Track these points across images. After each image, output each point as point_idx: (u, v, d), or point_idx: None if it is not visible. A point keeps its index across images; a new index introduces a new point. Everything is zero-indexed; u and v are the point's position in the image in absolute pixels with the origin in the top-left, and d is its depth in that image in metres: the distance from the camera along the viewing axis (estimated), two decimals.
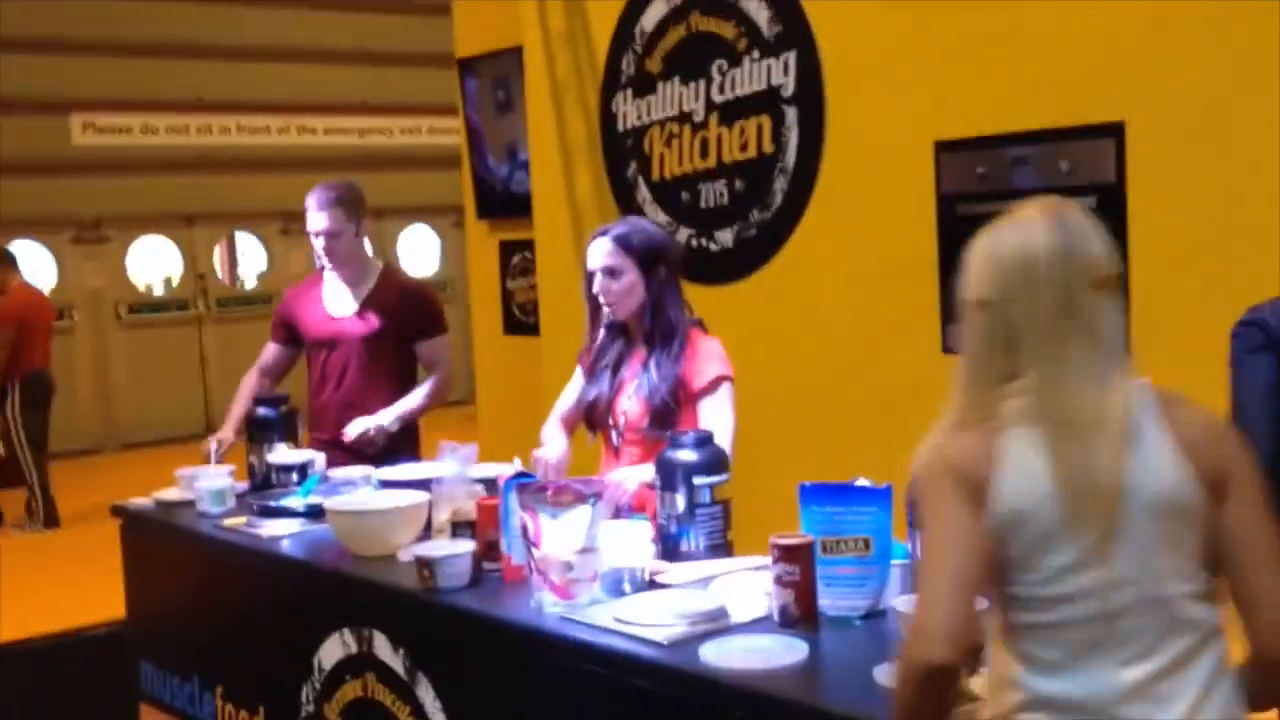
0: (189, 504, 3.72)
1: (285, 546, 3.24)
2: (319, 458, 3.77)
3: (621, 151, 5.38)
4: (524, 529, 2.57)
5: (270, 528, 3.37)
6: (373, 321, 4.19)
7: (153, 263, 12.87)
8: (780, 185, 4.72)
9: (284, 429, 3.92)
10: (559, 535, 2.53)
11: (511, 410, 6.99)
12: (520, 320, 7.14)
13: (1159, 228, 3.73)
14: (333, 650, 2.98)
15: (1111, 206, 3.82)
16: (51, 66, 11.73)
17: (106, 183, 12.20)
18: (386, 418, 4.05)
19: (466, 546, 2.76)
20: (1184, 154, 3.68)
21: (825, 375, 4.63)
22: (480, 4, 7.05)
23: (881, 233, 4.43)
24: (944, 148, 4.22)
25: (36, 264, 11.54)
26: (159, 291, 12.95)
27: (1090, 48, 3.84)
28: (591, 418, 3.34)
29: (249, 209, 12.91)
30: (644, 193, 5.30)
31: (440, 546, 2.77)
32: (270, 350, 4.38)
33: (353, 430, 3.98)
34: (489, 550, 2.79)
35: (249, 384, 4.31)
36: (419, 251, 14.49)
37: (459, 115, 7.36)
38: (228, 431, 4.16)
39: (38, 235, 11.86)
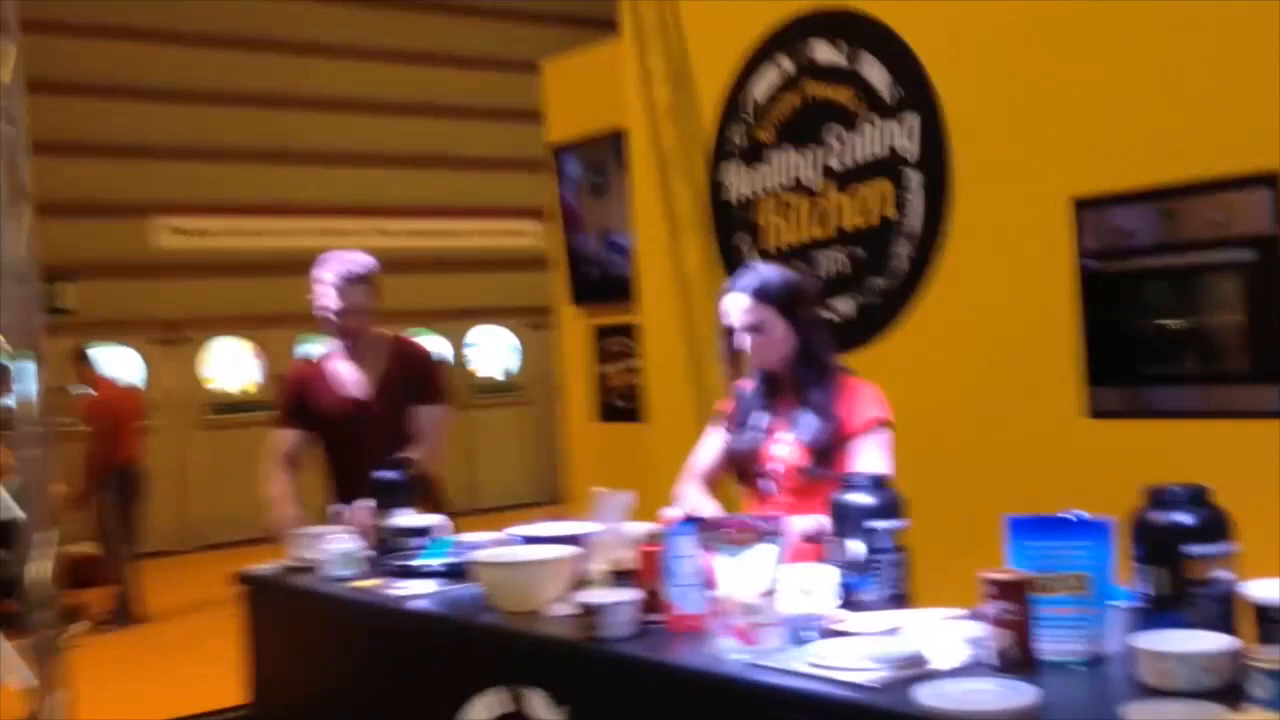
0: (309, 570, 3.58)
1: (426, 605, 3.08)
2: (444, 521, 3.64)
3: (731, 223, 5.30)
4: (706, 573, 2.41)
5: (407, 588, 3.22)
6: (393, 396, 4.15)
7: (233, 363, 12.92)
8: (905, 250, 4.60)
9: (410, 493, 3.80)
10: (739, 576, 2.36)
11: None
12: (616, 406, 7.04)
13: None
14: (477, 712, 2.81)
15: (1270, 259, 3.67)
16: (132, 169, 11.93)
17: (188, 285, 12.31)
18: None
19: (629, 594, 2.60)
20: None
21: (955, 443, 4.45)
22: (575, 90, 7.07)
23: (1014, 294, 4.29)
24: (1082, 205, 4.09)
25: (122, 365, 11.60)
26: (238, 390, 12.99)
27: (1236, 93, 3.72)
28: (741, 467, 3.20)
29: None
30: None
31: (603, 594, 2.61)
32: (288, 436, 4.25)
33: None
34: (651, 601, 2.63)
35: (281, 478, 4.19)
36: (493, 350, 14.51)
37: (541, 215, 7.36)
38: (287, 513, 4.07)
39: (119, 338, 11.95)
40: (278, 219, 12.90)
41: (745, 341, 3.12)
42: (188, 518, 12.12)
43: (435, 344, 13.80)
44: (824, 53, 4.85)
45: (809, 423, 3.06)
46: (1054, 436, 4.16)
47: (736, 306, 3.13)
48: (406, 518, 3.70)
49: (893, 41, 4.58)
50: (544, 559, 2.90)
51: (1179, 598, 2.12)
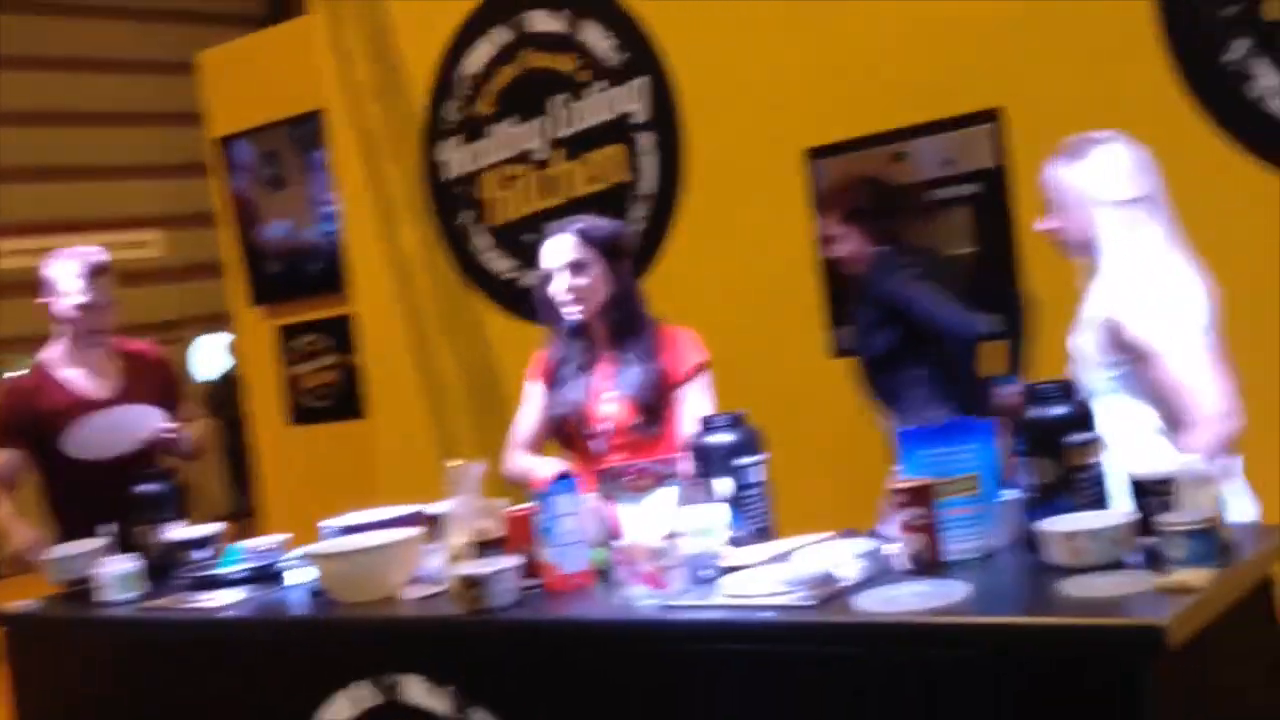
0: (77, 596, 3.26)
1: (251, 612, 2.87)
2: (222, 529, 3.41)
3: (451, 202, 5.20)
4: (606, 520, 2.37)
5: (214, 599, 2.98)
6: (136, 399, 3.89)
7: None
8: (641, 212, 4.66)
9: (176, 505, 3.53)
10: (642, 522, 2.34)
11: (311, 504, 6.58)
12: (313, 408, 6.75)
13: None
14: (340, 711, 2.64)
15: (995, 190, 3.96)
16: None
17: None
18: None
19: (513, 560, 2.51)
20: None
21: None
22: (240, 80, 6.71)
23: (755, 247, 4.42)
24: (816, 153, 4.28)
25: None
26: None
27: (955, 36, 3.97)
28: (564, 431, 3.15)
29: None
30: (481, 240, 5.13)
31: (483, 564, 2.51)
32: (4, 456, 3.86)
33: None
34: (527, 566, 2.55)
35: (4, 500, 3.83)
36: None
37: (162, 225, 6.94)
38: (27, 534, 3.75)
39: None
40: None
41: (563, 282, 3.06)
42: None
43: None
44: (542, 22, 4.84)
45: (632, 377, 3.05)
46: (803, 377, 4.32)
47: (560, 247, 3.08)
48: (183, 529, 3.44)
49: (614, 6, 4.62)
50: (393, 543, 2.76)
51: (1065, 484, 2.26)
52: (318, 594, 2.84)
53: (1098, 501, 2.26)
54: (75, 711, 3.25)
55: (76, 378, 3.88)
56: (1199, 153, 3.58)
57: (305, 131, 6.29)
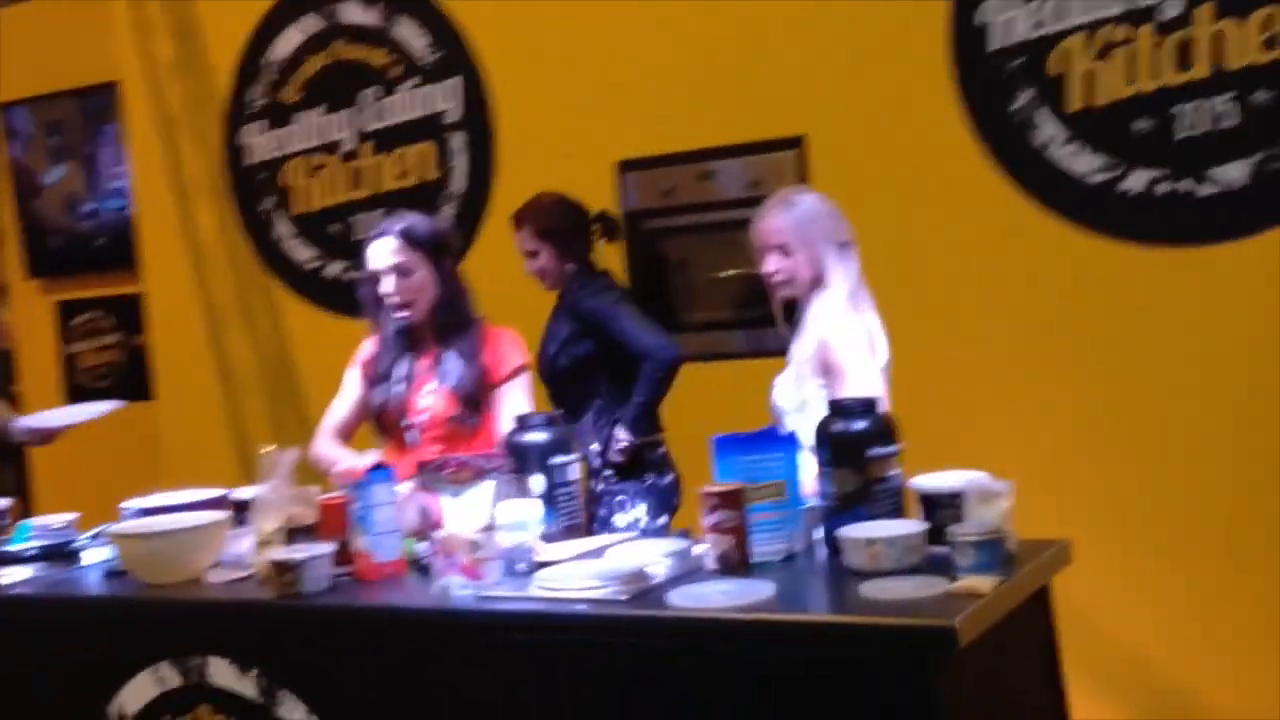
0: None
1: (40, 588, 2.79)
2: (7, 503, 3.31)
3: (252, 186, 5.11)
4: (424, 512, 2.41)
5: (3, 576, 2.89)
6: None
7: None
8: (449, 211, 4.68)
9: None
10: (461, 514, 2.39)
11: (86, 486, 6.35)
12: (89, 387, 6.51)
13: None
14: (142, 692, 2.60)
15: None
16: None
17: None
18: None
19: (327, 547, 2.53)
20: (860, 163, 4.07)
21: None
22: (28, 44, 6.43)
23: None
24: (627, 166, 4.39)
25: None
26: None
27: (767, 65, 4.15)
28: (383, 420, 3.17)
29: None
30: (283, 227, 5.07)
31: (295, 550, 2.52)
32: None
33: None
34: (338, 553, 2.57)
35: None
36: None
37: None
38: None
39: None
40: None
41: (390, 285, 3.09)
42: None
43: None
44: (355, 14, 4.82)
45: (454, 370, 3.10)
46: None
47: (383, 249, 3.10)
48: None
49: (429, 4, 4.64)
50: (200, 525, 2.74)
51: (863, 494, 2.42)
52: (116, 574, 2.79)
53: (894, 511, 2.42)
54: None
55: None
56: (985, 194, 3.84)
57: (97, 103, 6.07)
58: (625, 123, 4.37)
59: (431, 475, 2.41)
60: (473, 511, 2.40)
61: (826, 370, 2.87)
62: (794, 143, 4.13)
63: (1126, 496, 3.66)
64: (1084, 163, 3.69)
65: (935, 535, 2.30)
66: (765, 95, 4.16)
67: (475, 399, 3.09)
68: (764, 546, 2.41)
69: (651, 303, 4.38)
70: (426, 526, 2.42)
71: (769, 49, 4.13)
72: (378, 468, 2.61)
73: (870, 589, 2.14)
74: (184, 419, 5.39)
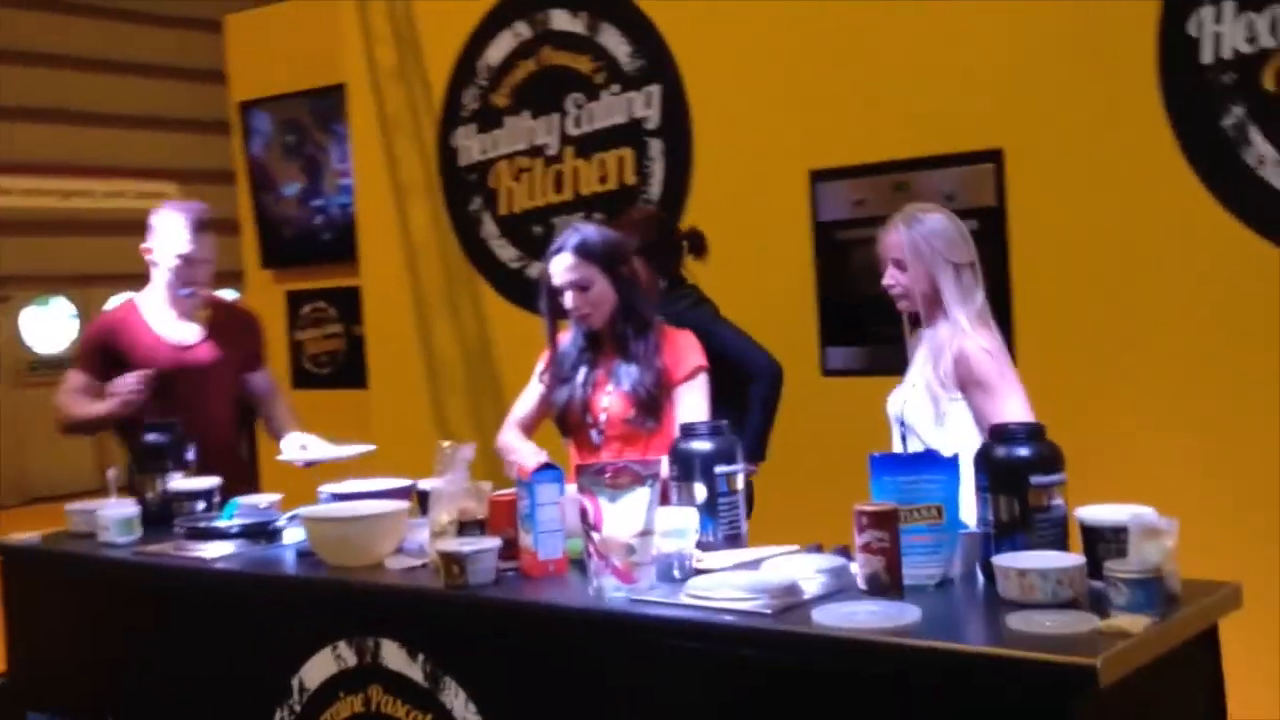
0: (84, 538, 3.38)
1: (238, 564, 2.99)
2: (218, 483, 3.54)
3: (463, 187, 5.31)
4: (583, 514, 2.49)
5: (207, 550, 3.10)
6: (220, 349, 4.02)
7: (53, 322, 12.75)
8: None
9: (177, 455, 3.64)
10: (619, 518, 2.46)
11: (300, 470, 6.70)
12: (313, 373, 6.88)
13: (1038, 246, 4.01)
14: (321, 668, 2.76)
15: (993, 228, 4.07)
16: None
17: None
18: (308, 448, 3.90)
19: (493, 541, 2.64)
20: (1060, 178, 3.98)
21: None
22: (266, 46, 6.84)
23: (754, 261, 4.54)
24: (819, 176, 4.39)
25: None
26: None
27: (963, 77, 4.10)
28: (566, 419, 3.28)
29: None
30: (490, 227, 5.25)
31: (464, 543, 2.63)
32: (81, 381, 3.96)
33: (292, 453, 3.84)
34: (504, 548, 2.68)
35: (82, 404, 3.92)
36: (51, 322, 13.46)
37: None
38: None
39: None
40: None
41: (570, 300, 3.20)
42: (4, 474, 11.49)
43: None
44: (563, 21, 4.95)
45: (629, 373, 3.18)
46: (795, 395, 4.41)
47: (561, 265, 3.20)
48: (179, 481, 3.55)
49: (633, 12, 4.74)
50: (380, 513, 2.88)
51: (1022, 523, 2.38)
52: (305, 554, 2.96)
53: (1056, 542, 2.38)
54: (64, 646, 3.38)
55: (162, 321, 3.99)
56: (1190, 210, 3.70)
57: (327, 104, 6.41)
58: (819, 132, 4.39)
59: (591, 478, 2.48)
60: (629, 516, 2.46)
61: (966, 384, 2.90)
62: (992, 156, 4.06)
63: None
64: None
65: (1097, 569, 2.25)
66: (962, 106, 4.11)
67: (652, 401, 3.16)
68: (917, 569, 2.40)
69: (839, 314, 4.39)
70: (584, 527, 2.49)
71: (967, 59, 4.08)
72: (546, 467, 2.71)
73: (1018, 620, 2.11)
74: (393, 407, 5.64)
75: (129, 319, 4.02)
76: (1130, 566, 2.15)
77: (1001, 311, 4.01)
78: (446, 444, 2.86)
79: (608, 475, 2.49)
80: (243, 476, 4.00)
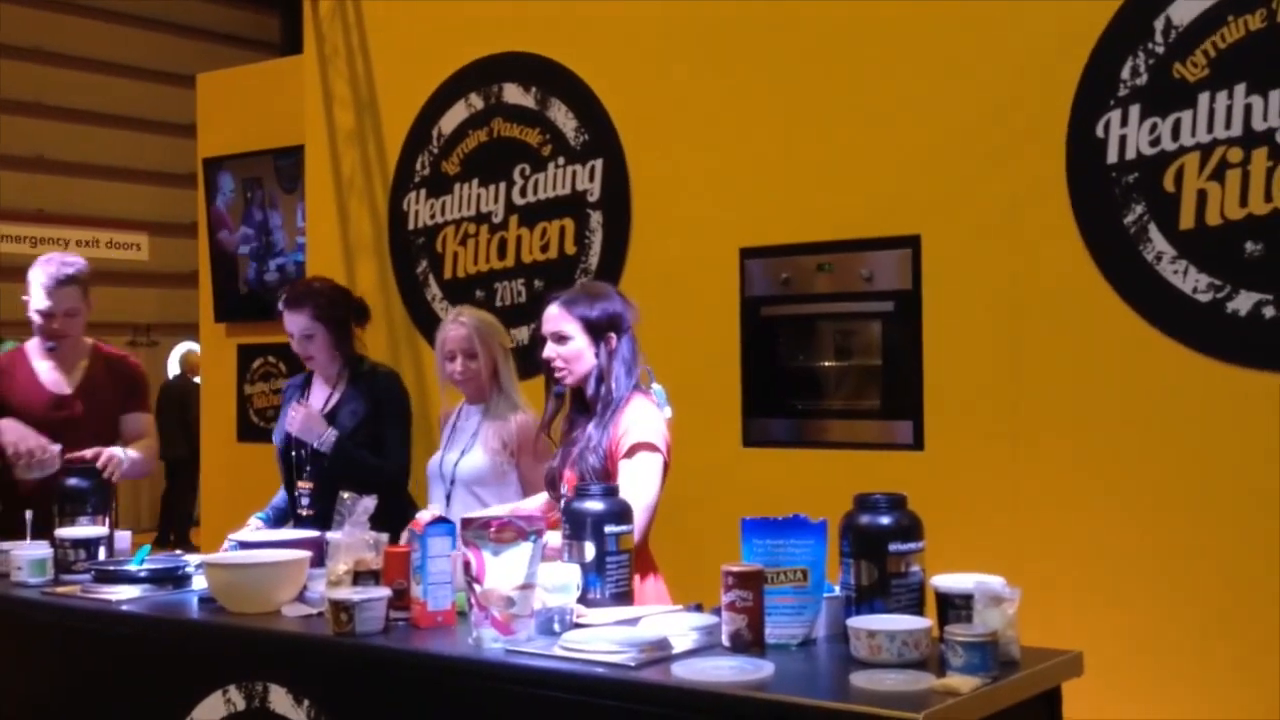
0: None
1: (142, 607, 3.08)
2: (113, 534, 3.66)
3: (411, 249, 5.45)
4: (466, 565, 2.59)
5: (116, 593, 3.19)
6: (96, 398, 4.17)
7: None
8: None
9: (98, 501, 3.74)
10: (501, 571, 2.57)
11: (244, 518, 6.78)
12: (259, 427, 6.97)
13: (949, 330, 4.15)
14: (212, 711, 2.85)
15: (907, 310, 4.22)
16: None
17: None
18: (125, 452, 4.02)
19: (383, 591, 2.74)
20: (972, 265, 4.13)
21: None
22: (232, 105, 7.01)
23: (685, 332, 4.67)
24: (748, 253, 4.54)
25: None
26: None
27: (885, 166, 4.27)
28: (552, 485, 3.36)
29: None
30: (434, 290, 5.38)
31: (355, 592, 2.74)
32: None
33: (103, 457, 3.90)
34: (395, 599, 2.78)
35: None
36: None
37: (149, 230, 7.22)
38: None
39: None
40: None
41: (550, 350, 3.24)
42: None
43: None
44: (515, 95, 5.12)
45: (579, 449, 3.20)
46: (717, 465, 4.54)
47: (547, 315, 3.27)
48: (88, 528, 3.64)
49: (582, 90, 4.91)
50: (276, 562, 2.99)
51: (880, 588, 2.50)
52: (207, 600, 3.05)
53: (912, 607, 2.50)
54: None
55: (45, 370, 4.14)
56: (1092, 302, 3.86)
57: (290, 163, 6.57)
58: (750, 211, 4.54)
59: (475, 532, 2.59)
60: (511, 569, 2.57)
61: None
62: (910, 241, 4.22)
63: (1193, 622, 3.62)
64: (1191, 282, 3.70)
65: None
66: (885, 193, 4.27)
67: (594, 476, 3.11)
68: (781, 629, 2.52)
69: (763, 387, 4.52)
70: (468, 581, 2.59)
71: (890, 149, 4.25)
72: (438, 521, 2.81)
73: (861, 679, 2.23)
74: None
75: (14, 366, 4.17)
76: (969, 630, 2.27)
77: (913, 393, 4.17)
78: (347, 495, 2.97)
79: (491, 529, 2.60)
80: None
